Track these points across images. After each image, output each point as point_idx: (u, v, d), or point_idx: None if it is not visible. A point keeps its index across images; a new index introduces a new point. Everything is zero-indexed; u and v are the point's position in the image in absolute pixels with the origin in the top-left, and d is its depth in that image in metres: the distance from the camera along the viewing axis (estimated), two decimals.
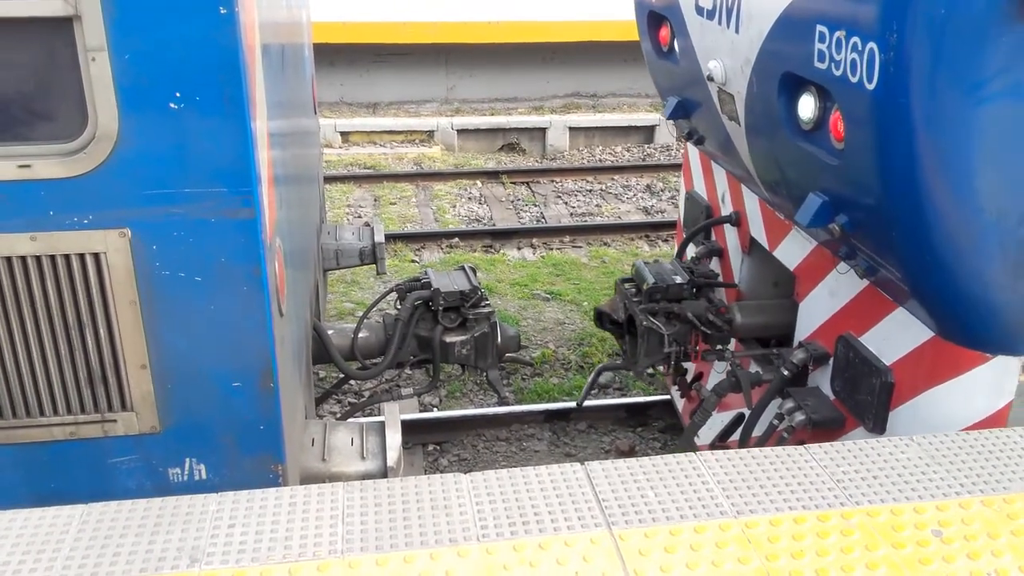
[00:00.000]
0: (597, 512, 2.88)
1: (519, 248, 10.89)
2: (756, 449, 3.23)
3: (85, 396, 3.17)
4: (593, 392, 7.65)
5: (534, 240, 11.01)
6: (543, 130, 15.43)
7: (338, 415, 7.15)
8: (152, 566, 2.64)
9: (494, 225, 11.66)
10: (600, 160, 14.96)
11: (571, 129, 15.44)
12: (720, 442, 5.59)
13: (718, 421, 5.76)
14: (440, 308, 5.18)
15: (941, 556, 2.70)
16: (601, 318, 5.81)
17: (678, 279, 5.38)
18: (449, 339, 5.23)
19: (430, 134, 15.28)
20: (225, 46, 2.75)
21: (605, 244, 10.99)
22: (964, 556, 2.71)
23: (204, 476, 3.33)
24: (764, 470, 3.10)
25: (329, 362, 5.24)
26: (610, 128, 15.55)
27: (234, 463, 3.33)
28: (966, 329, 3.71)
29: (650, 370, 7.63)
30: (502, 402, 6.99)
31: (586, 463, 3.12)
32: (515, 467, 5.07)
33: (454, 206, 12.41)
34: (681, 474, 3.08)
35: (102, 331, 3.08)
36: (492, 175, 13.57)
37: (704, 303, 5.37)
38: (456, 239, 10.90)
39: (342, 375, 5.43)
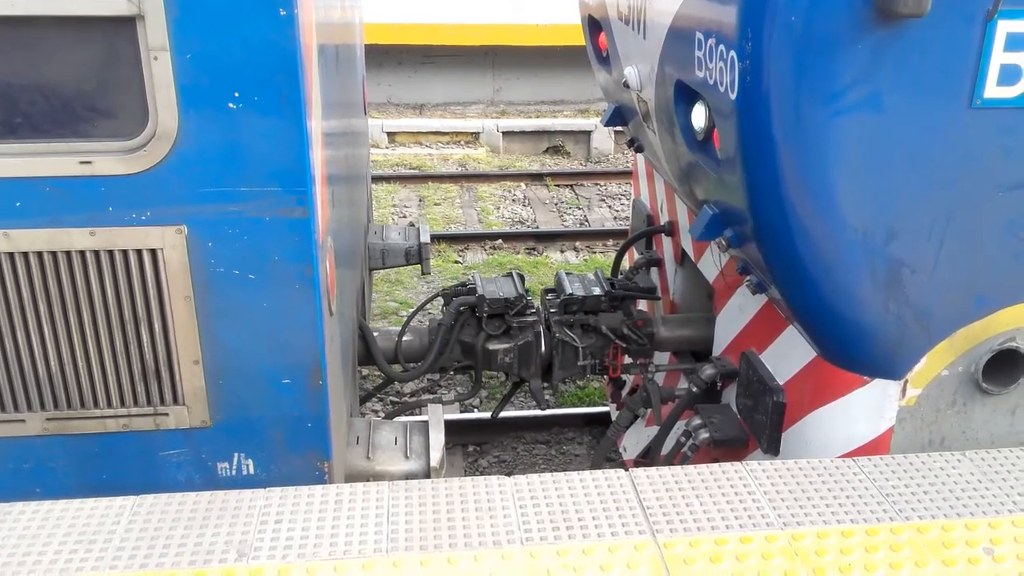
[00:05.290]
0: (641, 519, 2.87)
1: (562, 251, 10.89)
2: (804, 461, 3.20)
3: (138, 389, 3.23)
4: None
5: (577, 243, 11.00)
6: (588, 133, 15.40)
7: (380, 414, 7.20)
8: (200, 559, 2.68)
9: (538, 227, 11.67)
10: None
11: (616, 132, 15.37)
12: (643, 458, 5.42)
13: (646, 436, 5.59)
14: (484, 315, 5.14)
15: (993, 575, 2.66)
16: None
17: (596, 291, 5.22)
18: (492, 347, 5.15)
19: (475, 135, 15.33)
20: (284, 47, 2.78)
21: None
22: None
23: (252, 471, 3.38)
24: (812, 482, 3.07)
25: (371, 363, 5.25)
26: None
27: (281, 459, 3.37)
28: (840, 350, 3.54)
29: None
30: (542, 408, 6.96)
31: (630, 469, 3.11)
32: (556, 471, 5.06)
33: (498, 208, 12.44)
34: (727, 484, 3.06)
35: (156, 326, 3.13)
36: (536, 177, 13.59)
37: (620, 316, 5.20)
38: (499, 241, 10.93)
39: (385, 376, 5.45)
